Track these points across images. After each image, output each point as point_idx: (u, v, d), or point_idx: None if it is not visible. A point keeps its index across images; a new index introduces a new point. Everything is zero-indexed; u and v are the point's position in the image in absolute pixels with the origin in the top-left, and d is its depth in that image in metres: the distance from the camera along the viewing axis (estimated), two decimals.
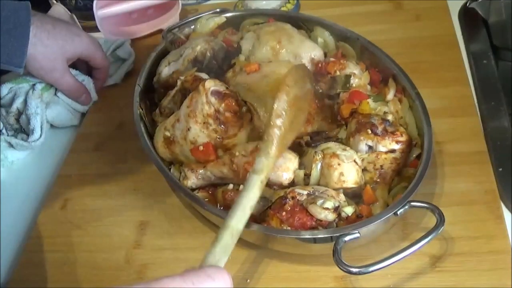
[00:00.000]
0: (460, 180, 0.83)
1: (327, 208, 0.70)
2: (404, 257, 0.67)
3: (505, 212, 0.79)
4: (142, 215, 0.88)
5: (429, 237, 0.68)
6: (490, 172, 0.83)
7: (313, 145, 0.80)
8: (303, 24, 1.01)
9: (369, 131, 0.78)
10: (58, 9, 1.25)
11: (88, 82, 1.08)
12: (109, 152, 1.01)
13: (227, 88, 0.82)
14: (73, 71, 1.09)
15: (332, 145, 0.78)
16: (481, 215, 0.78)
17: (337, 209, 0.71)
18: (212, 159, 0.81)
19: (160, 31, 1.19)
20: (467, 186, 0.82)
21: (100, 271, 0.82)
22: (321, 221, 0.71)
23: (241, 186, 0.78)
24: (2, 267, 0.86)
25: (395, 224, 0.76)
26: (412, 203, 0.71)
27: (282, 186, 0.77)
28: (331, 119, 0.86)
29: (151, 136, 0.88)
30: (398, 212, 0.70)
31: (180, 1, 1.25)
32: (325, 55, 0.96)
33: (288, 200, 0.72)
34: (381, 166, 0.78)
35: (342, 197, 0.73)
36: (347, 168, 0.75)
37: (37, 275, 0.83)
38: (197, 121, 0.80)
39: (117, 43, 1.18)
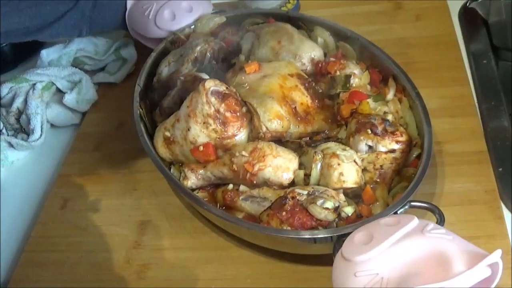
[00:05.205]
0: (460, 180, 0.83)
1: (327, 208, 0.70)
2: None
3: (505, 212, 0.79)
4: (142, 215, 0.88)
5: None
6: (490, 172, 0.83)
7: (313, 145, 0.80)
8: (303, 24, 1.01)
9: (369, 131, 0.78)
10: None
11: (86, 80, 1.08)
12: (109, 152, 1.01)
13: (227, 88, 0.82)
14: (72, 69, 1.09)
15: (332, 145, 0.78)
16: (481, 215, 0.78)
17: (337, 209, 0.71)
18: (212, 159, 0.81)
19: None
20: (467, 186, 0.82)
21: (100, 271, 0.82)
22: (321, 221, 0.70)
23: (241, 186, 0.78)
24: (2, 267, 0.86)
25: None
26: (412, 203, 0.71)
27: (282, 186, 0.77)
28: (331, 119, 0.86)
29: (151, 136, 0.88)
30: (398, 212, 0.70)
31: None
32: (325, 55, 0.96)
33: (288, 200, 0.72)
34: (381, 166, 0.78)
35: (342, 197, 0.73)
36: (347, 168, 0.75)
37: (37, 275, 0.83)
38: (197, 121, 0.80)
39: (118, 43, 1.18)
